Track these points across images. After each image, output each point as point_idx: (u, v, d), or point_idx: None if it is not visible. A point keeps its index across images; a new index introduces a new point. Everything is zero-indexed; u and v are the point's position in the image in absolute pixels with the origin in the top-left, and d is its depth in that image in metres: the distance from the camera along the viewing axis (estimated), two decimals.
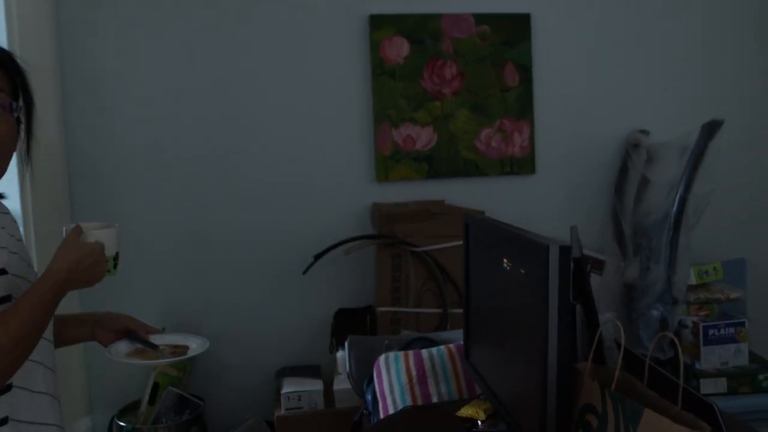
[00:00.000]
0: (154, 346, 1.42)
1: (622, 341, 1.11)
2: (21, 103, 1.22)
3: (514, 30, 2.84)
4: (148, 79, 2.68)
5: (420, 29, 2.77)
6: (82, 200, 2.66)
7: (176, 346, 1.47)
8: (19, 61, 1.23)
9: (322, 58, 2.78)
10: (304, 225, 2.78)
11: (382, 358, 2.02)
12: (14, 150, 1.22)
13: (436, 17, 2.78)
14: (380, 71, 2.76)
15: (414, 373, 1.92)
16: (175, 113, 2.70)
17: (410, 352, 2.01)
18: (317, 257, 2.66)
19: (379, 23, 2.74)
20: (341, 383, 2.49)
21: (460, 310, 2.51)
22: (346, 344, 2.24)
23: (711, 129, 2.37)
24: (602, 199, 2.97)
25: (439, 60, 2.79)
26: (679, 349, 1.13)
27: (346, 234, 2.74)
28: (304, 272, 2.67)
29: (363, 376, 2.12)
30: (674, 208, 2.41)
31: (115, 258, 1.27)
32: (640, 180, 2.77)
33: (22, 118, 1.23)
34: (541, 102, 2.90)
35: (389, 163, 2.80)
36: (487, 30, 2.81)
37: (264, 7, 2.71)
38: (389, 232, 2.69)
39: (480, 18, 2.81)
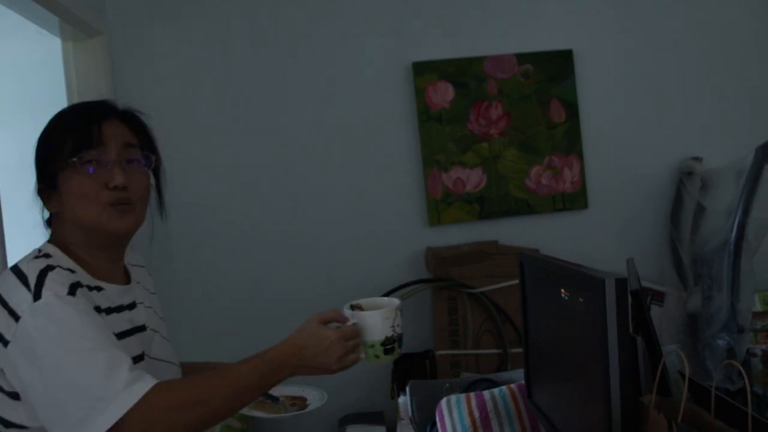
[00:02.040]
0: (274, 398, 1.41)
1: (687, 372, 1.09)
2: (152, 154, 1.33)
3: (557, 66, 2.86)
4: (201, 131, 2.79)
5: (463, 73, 2.82)
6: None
7: (294, 398, 1.46)
8: (140, 115, 1.34)
9: (369, 106, 2.85)
10: (360, 272, 2.81)
11: (443, 402, 2.01)
12: (149, 200, 1.34)
13: (478, 60, 2.83)
14: (426, 117, 2.81)
15: (477, 415, 1.91)
16: (225, 166, 2.80)
17: (472, 394, 2.00)
18: None
19: (422, 70, 2.80)
20: (404, 429, 2.47)
21: (520, 350, 2.48)
22: (407, 389, 2.24)
23: (765, 152, 2.33)
24: (658, 229, 2.92)
25: (484, 102, 2.83)
26: (746, 378, 1.10)
27: (401, 279, 2.76)
28: None
29: (426, 421, 2.11)
30: (733, 234, 2.36)
31: (389, 341, 1.17)
32: (696, 208, 2.72)
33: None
34: (588, 136, 2.90)
35: (441, 207, 2.82)
36: (530, 69, 2.85)
37: (310, 63, 2.81)
38: (444, 275, 2.70)
39: (522, 57, 2.85)
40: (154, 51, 2.79)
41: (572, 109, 2.87)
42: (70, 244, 1.27)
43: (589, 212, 2.91)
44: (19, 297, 1.11)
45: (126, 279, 1.38)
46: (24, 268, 1.17)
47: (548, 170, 2.86)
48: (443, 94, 2.82)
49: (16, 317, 1.09)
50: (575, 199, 2.88)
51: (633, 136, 2.94)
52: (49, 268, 1.15)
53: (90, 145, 1.22)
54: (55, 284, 1.12)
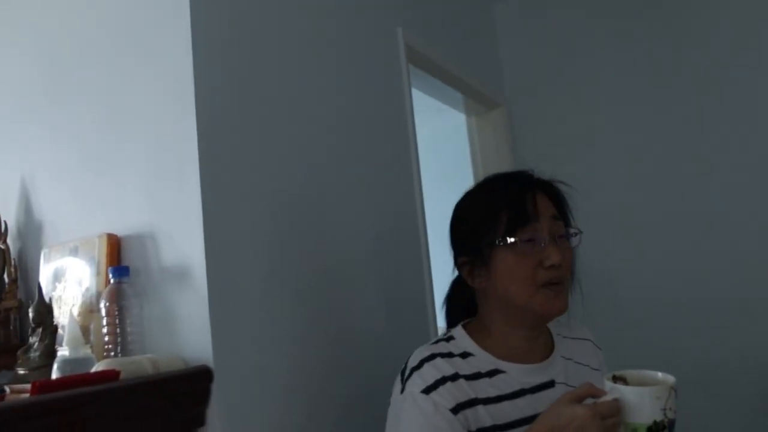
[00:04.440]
0: None
1: None
2: (577, 230, 1.23)
3: None
4: (608, 196, 2.74)
5: None
6: None
7: None
8: (560, 186, 1.27)
9: None
10: None
11: None
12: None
13: None
14: None
15: None
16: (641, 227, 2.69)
17: None
18: None
19: None
20: None
21: None
22: None
23: None
24: None
25: None
26: None
27: None
28: None
29: None
30: None
31: (657, 428, 0.95)
32: None
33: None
34: None
35: None
36: None
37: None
38: None
39: None
40: (550, 117, 2.85)
41: None
42: (491, 320, 1.24)
43: None
44: (396, 385, 1.20)
45: (548, 355, 1.27)
46: (418, 351, 1.21)
47: None
48: None
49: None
50: None
51: None
52: (430, 358, 1.17)
53: (526, 222, 1.16)
54: (420, 379, 1.14)
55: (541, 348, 1.27)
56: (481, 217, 1.21)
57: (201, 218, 1.29)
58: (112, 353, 1.29)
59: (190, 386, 1.25)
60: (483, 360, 1.20)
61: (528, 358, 1.23)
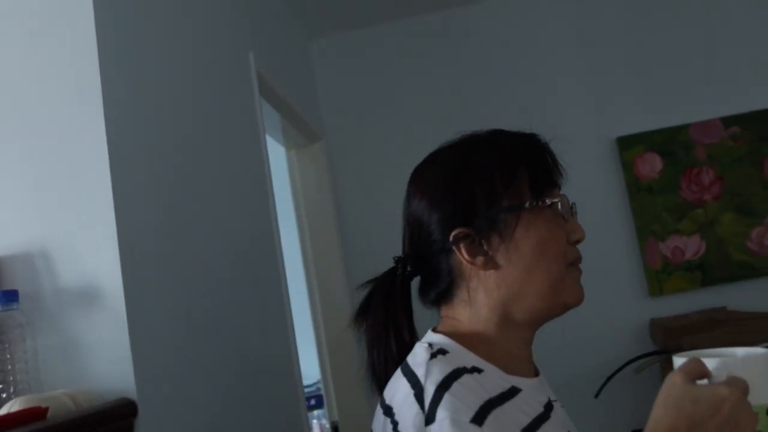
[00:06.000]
0: None
1: None
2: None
3: (766, 125, 2.82)
4: None
5: (669, 142, 2.83)
6: None
7: None
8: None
9: (574, 182, 2.87)
10: (585, 347, 2.79)
11: None
12: None
13: (683, 128, 2.83)
14: (636, 189, 2.82)
15: None
16: None
17: None
18: (610, 378, 2.65)
19: (627, 144, 2.84)
20: None
21: None
22: None
23: None
24: None
25: (694, 168, 2.81)
26: None
27: (625, 353, 2.72)
28: (596, 395, 2.66)
29: None
30: None
31: None
32: None
33: None
34: None
35: (661, 277, 2.79)
36: (738, 131, 2.82)
37: None
38: (675, 346, 2.63)
39: (728, 120, 2.83)
40: (367, 150, 2.98)
41: None
42: (485, 317, 0.92)
43: None
44: (407, 414, 0.82)
45: (535, 368, 0.99)
46: (420, 372, 0.84)
47: None
48: (651, 164, 2.83)
49: None
50: None
51: None
52: (457, 374, 0.83)
53: (554, 183, 0.94)
54: (460, 403, 0.80)
55: (531, 358, 0.99)
56: (494, 175, 0.91)
57: (114, 228, 1.13)
58: (3, 394, 1.06)
59: (115, 423, 1.07)
60: (495, 375, 0.88)
61: (528, 371, 0.95)
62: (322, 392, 2.81)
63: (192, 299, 1.37)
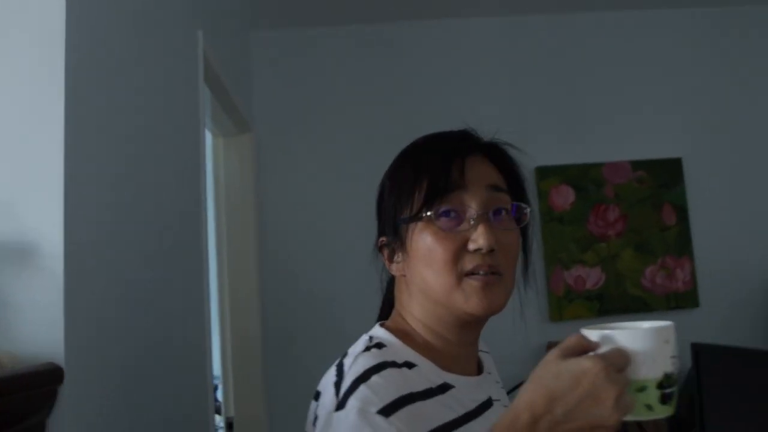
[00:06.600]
0: None
1: None
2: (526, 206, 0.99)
3: (668, 173, 3.04)
4: (343, 224, 2.91)
5: (583, 177, 2.99)
6: None
7: None
8: (509, 150, 1.01)
9: None
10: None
11: None
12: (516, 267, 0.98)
13: (597, 166, 3.01)
14: (549, 217, 2.96)
15: None
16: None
17: None
18: (508, 393, 2.74)
19: (545, 174, 2.98)
20: None
21: None
22: None
23: None
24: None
25: (602, 205, 2.99)
26: None
27: (521, 372, 2.82)
28: None
29: None
30: None
31: (668, 382, 0.70)
32: None
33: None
34: (699, 238, 3.05)
35: (562, 303, 2.93)
36: (644, 175, 3.03)
37: None
38: None
39: (636, 164, 3.03)
40: (294, 149, 2.97)
41: (683, 213, 3.03)
42: (417, 319, 0.96)
43: (700, 311, 3.02)
44: (326, 400, 0.86)
45: (478, 368, 1.02)
46: (347, 362, 0.88)
47: (662, 270, 2.99)
48: (565, 196, 2.98)
49: (315, 418, 0.89)
50: (687, 299, 3.00)
51: (744, 237, 3.09)
52: (379, 367, 0.85)
53: (446, 190, 0.91)
54: (373, 394, 0.82)
55: (475, 357, 1.02)
56: (401, 186, 0.95)
57: (62, 189, 1.07)
58: None
59: (39, 388, 1.01)
60: (428, 371, 0.91)
61: (468, 369, 0.98)
62: (220, 388, 2.75)
63: (128, 271, 1.32)
